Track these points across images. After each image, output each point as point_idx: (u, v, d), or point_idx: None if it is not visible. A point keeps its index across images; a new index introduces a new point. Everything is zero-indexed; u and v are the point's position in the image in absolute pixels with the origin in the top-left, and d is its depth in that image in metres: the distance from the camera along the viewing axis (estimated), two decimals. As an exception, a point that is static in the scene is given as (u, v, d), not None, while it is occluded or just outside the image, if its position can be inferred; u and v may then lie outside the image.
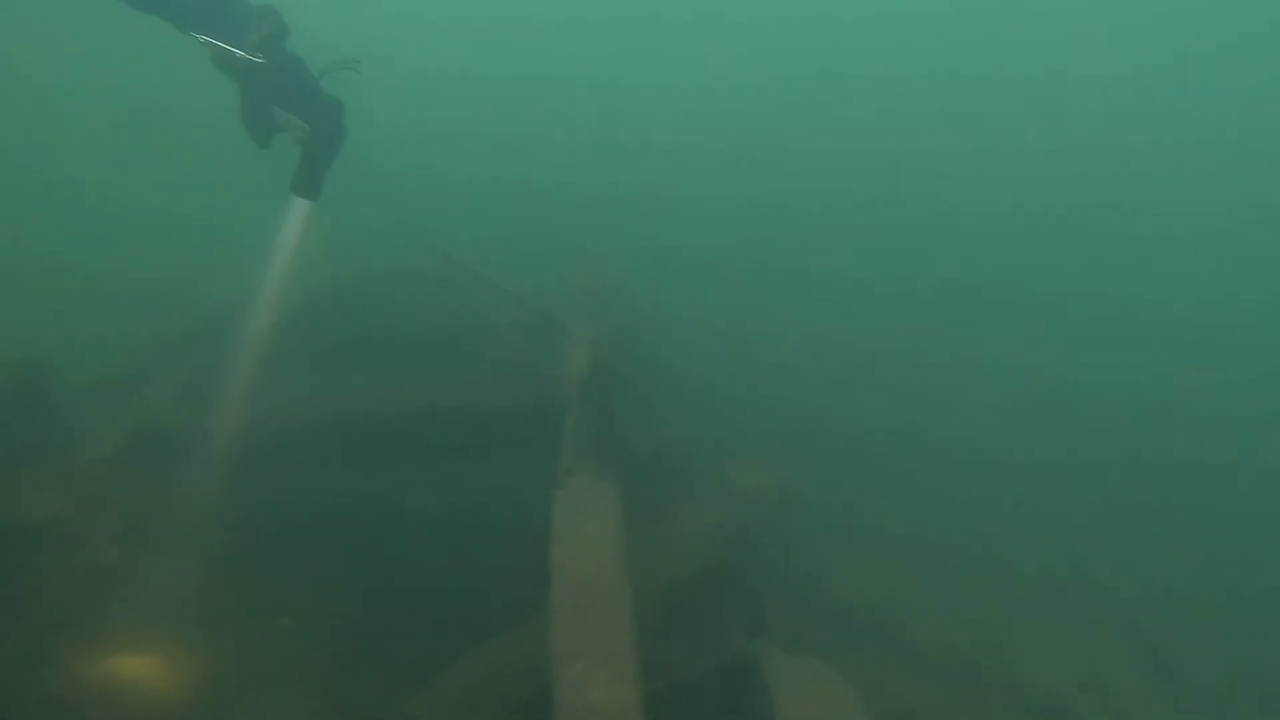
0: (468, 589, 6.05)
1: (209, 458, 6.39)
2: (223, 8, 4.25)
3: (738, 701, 4.95)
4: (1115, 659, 7.18)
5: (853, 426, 10.44)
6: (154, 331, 8.22)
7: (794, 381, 11.37)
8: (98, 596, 5.53)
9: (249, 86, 4.43)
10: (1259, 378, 14.87)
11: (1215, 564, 9.11)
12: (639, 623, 4.59)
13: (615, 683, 3.69)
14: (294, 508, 6.58)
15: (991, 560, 8.19)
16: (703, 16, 36.12)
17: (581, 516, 4.58)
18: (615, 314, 7.82)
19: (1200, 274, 21.11)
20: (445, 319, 8.18)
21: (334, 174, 5.17)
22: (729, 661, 5.05)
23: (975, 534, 8.58)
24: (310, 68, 4.58)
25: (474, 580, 6.08)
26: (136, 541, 6.01)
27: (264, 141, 4.68)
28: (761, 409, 10.13)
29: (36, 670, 4.77)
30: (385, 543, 6.61)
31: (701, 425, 8.60)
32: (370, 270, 9.15)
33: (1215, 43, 33.53)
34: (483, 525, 6.57)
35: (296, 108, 4.53)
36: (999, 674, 6.55)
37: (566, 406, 5.63)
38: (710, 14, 36.18)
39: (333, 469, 6.75)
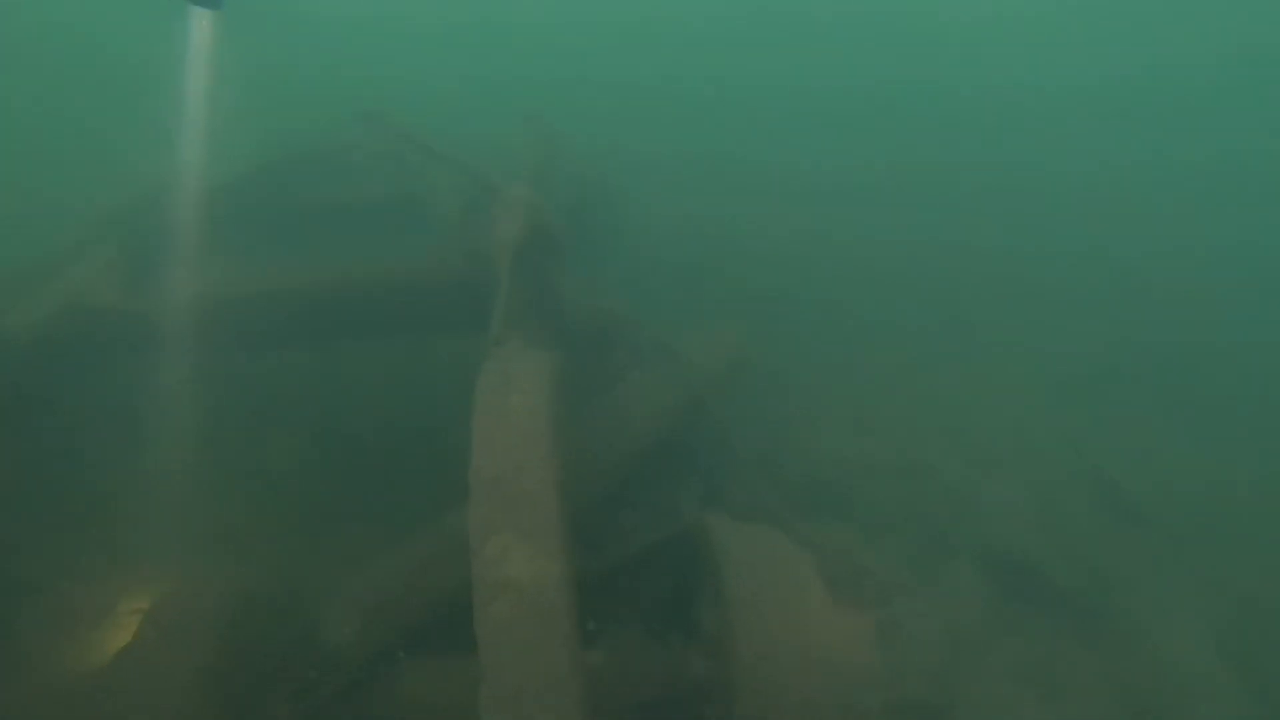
0: (414, 467, 5.88)
1: (142, 336, 6.07)
2: None
3: (687, 572, 4.78)
4: (1083, 513, 7.07)
5: (814, 289, 10.09)
6: (79, 209, 7.75)
7: (753, 247, 10.96)
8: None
9: None
10: (1230, 242, 14.65)
11: (1186, 415, 8.98)
12: (577, 495, 4.37)
13: (536, 557, 3.45)
14: (234, 385, 6.38)
15: (960, 421, 8.00)
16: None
17: (507, 386, 4.25)
18: (557, 176, 7.31)
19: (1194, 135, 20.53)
20: (383, 189, 7.69)
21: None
22: (677, 532, 4.83)
23: (942, 395, 8.37)
24: None
25: (420, 458, 5.89)
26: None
27: None
28: (719, 276, 9.75)
29: None
30: (329, 421, 6.43)
31: (656, 293, 8.25)
32: (305, 141, 8.56)
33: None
34: (426, 401, 6.32)
35: None
36: (962, 534, 6.41)
37: (498, 273, 5.22)
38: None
39: (273, 346, 6.44)
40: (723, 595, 4.38)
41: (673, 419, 5.96)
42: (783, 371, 8.22)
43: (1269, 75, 25.68)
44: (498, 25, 25.68)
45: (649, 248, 9.77)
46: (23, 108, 11.89)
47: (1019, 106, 22.57)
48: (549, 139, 8.18)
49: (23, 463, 5.58)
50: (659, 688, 4.41)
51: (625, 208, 9.57)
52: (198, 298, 6.04)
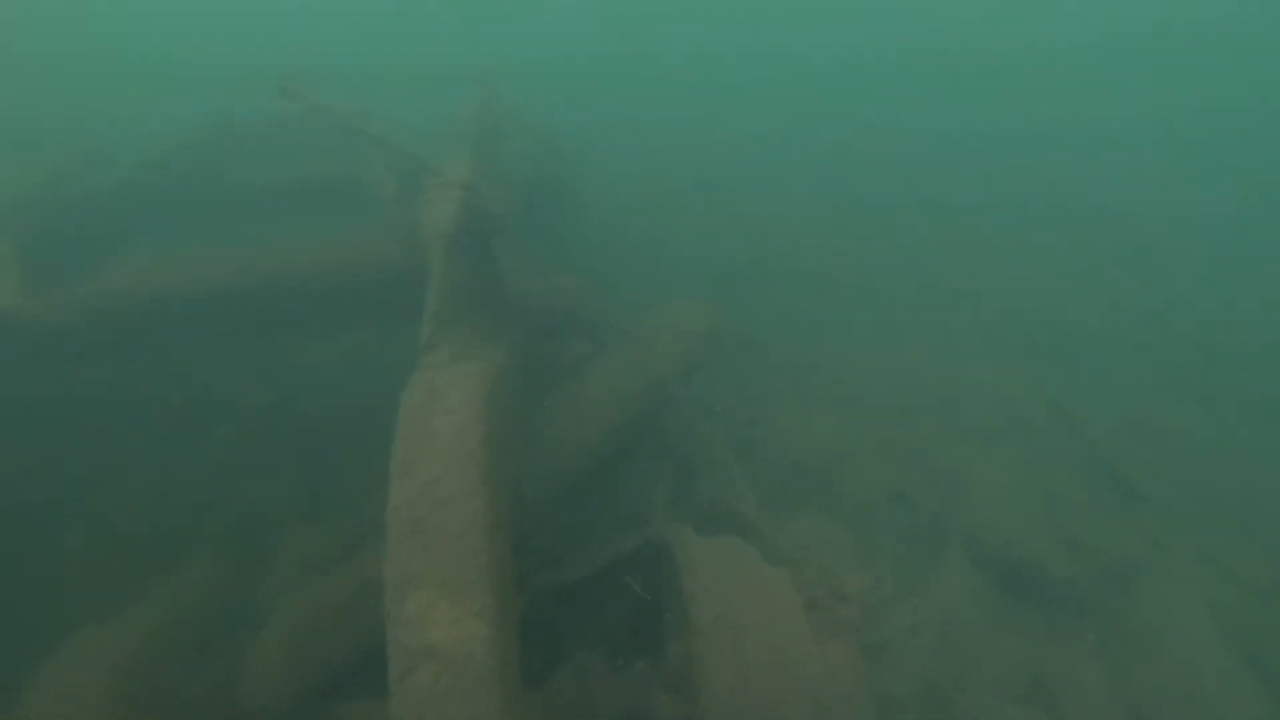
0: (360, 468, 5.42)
1: (41, 341, 5.50)
2: None
3: (648, 594, 4.32)
4: (1079, 492, 6.64)
5: (792, 263, 9.56)
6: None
7: (727, 220, 10.42)
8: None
9: None
10: (1229, 199, 14.28)
11: (1181, 383, 8.59)
12: (522, 519, 3.90)
13: (461, 618, 2.95)
14: (149, 386, 5.88)
15: (948, 396, 7.54)
16: None
17: (432, 405, 3.71)
18: (505, 148, 6.67)
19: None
20: (314, 170, 7.04)
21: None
22: (638, 547, 4.36)
23: (929, 370, 7.90)
24: None
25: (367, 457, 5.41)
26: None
27: None
28: (690, 250, 9.20)
29: None
30: (266, 424, 5.94)
31: (622, 270, 7.71)
32: (227, 119, 7.84)
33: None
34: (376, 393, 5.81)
35: None
36: (954, 523, 5.97)
37: (429, 266, 4.63)
38: None
39: (189, 345, 5.86)
40: (689, 622, 3.93)
41: (637, 412, 5.46)
42: (756, 343, 7.76)
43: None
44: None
45: (613, 216, 9.21)
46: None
47: (1000, 59, 22.18)
48: (498, 105, 7.50)
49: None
50: (619, 725, 3.98)
51: (585, 175, 8.97)
52: (101, 295, 5.44)
